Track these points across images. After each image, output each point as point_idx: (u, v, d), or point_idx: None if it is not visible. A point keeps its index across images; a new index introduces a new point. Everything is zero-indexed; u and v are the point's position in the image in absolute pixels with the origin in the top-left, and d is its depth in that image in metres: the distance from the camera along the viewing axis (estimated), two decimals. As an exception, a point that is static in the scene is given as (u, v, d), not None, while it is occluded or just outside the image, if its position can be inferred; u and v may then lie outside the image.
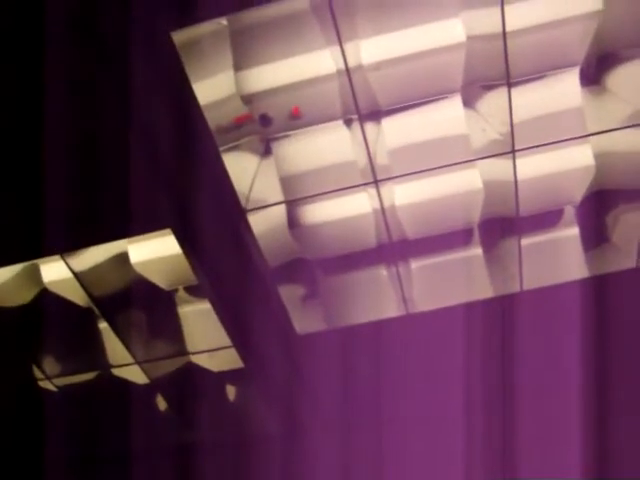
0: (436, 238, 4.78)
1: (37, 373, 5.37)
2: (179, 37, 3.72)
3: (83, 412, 5.55)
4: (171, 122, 3.77)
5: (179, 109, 3.79)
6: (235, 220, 4.18)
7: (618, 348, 4.68)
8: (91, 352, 5.26)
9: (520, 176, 4.49)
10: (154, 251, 4.68)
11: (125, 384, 5.39)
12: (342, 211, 4.59)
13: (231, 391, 5.61)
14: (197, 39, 3.83)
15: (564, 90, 4.16)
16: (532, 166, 4.48)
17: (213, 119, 4.01)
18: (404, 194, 4.55)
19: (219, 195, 4.07)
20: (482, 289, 4.93)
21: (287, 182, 4.36)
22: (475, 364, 4.70)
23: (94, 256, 4.66)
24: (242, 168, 4.22)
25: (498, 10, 3.82)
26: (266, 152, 4.29)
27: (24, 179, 3.93)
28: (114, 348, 5.16)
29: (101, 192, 3.91)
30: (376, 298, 4.91)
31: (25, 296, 4.92)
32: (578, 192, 4.64)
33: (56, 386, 5.47)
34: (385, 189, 4.46)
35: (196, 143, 3.91)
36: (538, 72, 4.12)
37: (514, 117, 4.14)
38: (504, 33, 3.86)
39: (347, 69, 3.94)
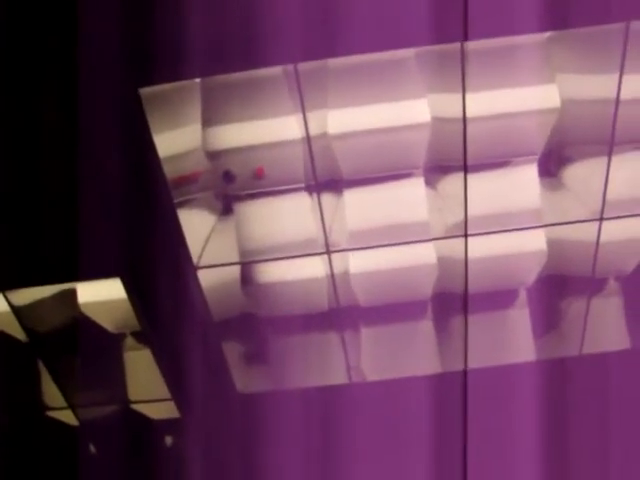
0: (388, 308, 4.80)
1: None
2: (146, 90, 3.74)
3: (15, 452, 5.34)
4: (127, 171, 3.76)
5: (137, 159, 3.78)
6: (184, 275, 4.15)
7: (565, 435, 4.69)
8: (26, 391, 5.10)
9: (473, 254, 4.57)
10: (103, 293, 4.60)
11: (57, 427, 5.22)
12: (296, 273, 4.59)
13: (168, 441, 5.48)
14: (165, 92, 3.86)
15: (522, 178, 4.28)
16: (485, 246, 4.56)
17: (172, 172, 4.01)
18: (358, 263, 4.57)
19: (170, 249, 4.04)
20: (430, 363, 4.94)
21: (243, 243, 4.36)
22: (417, 440, 4.66)
23: (38, 292, 4.55)
24: (198, 224, 4.21)
25: (460, 96, 3.95)
26: (224, 211, 4.30)
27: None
28: (49, 389, 5.01)
29: (51, 236, 3.85)
30: (322, 363, 4.88)
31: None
32: (530, 275, 4.73)
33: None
34: (340, 256, 4.49)
35: (152, 195, 3.90)
36: (497, 158, 4.24)
37: (470, 201, 4.23)
38: (464, 118, 3.99)
39: (308, 137, 4.00)
